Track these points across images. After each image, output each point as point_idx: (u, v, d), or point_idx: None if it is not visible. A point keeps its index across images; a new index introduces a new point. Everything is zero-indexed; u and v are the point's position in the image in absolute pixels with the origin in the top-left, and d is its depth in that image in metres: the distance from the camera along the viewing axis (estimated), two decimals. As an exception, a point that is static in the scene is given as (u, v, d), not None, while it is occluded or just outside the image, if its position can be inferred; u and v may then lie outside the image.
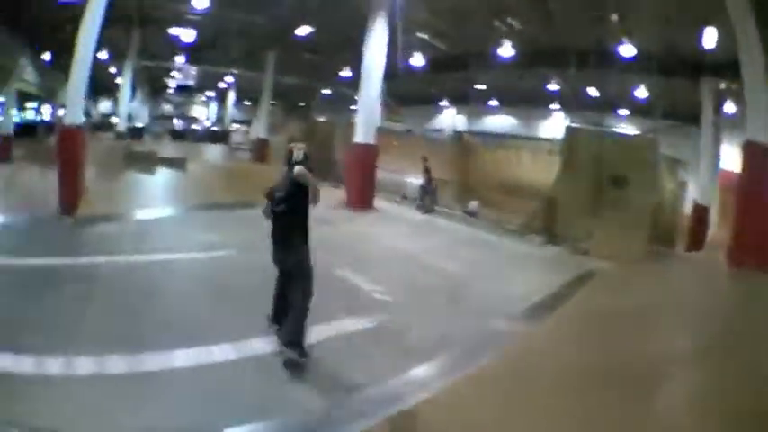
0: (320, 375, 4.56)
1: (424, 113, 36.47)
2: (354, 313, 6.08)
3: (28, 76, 27.01)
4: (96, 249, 8.31)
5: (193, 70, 34.07)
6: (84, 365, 4.29)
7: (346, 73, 29.11)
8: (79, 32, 11.96)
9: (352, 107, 34.93)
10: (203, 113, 52.74)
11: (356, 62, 16.69)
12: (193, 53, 30.11)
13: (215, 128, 44.03)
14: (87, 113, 44.66)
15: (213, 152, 30.71)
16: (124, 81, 24.99)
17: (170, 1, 21.53)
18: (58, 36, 22.27)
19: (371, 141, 15.44)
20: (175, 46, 28.39)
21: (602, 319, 7.11)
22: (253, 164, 25.54)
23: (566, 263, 10.44)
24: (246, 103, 48.74)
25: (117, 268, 7.41)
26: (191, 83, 41.74)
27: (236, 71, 33.57)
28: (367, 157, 15.33)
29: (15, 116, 27.58)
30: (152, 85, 44.31)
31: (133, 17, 23.36)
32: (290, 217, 4.77)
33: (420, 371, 4.78)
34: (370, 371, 4.65)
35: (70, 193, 11.61)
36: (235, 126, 46.65)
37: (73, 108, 12.06)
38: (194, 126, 46.17)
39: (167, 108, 53.05)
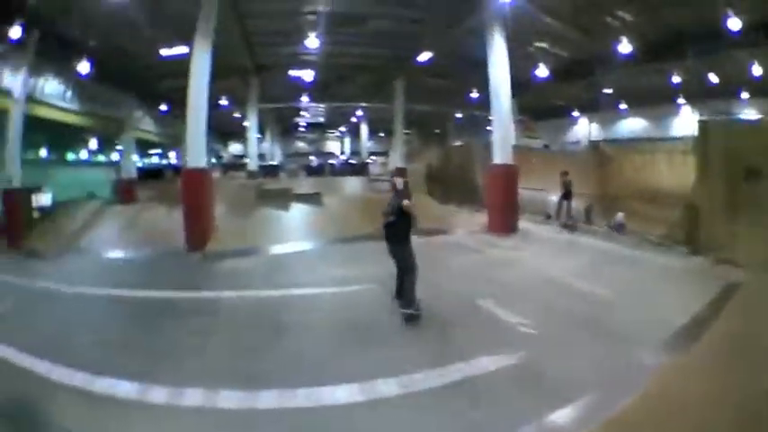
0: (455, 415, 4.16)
1: (558, 127, 34.93)
2: (495, 350, 5.41)
3: (146, 125, 29.47)
4: (223, 284, 8.50)
5: (321, 107, 35.05)
6: (192, 397, 4.44)
7: (475, 94, 28.29)
8: (190, 83, 12.90)
9: (488, 128, 34.73)
10: (338, 148, 54.36)
11: (483, 82, 15.86)
12: (318, 91, 30.74)
13: (352, 161, 44.74)
14: (218, 156, 49.20)
15: (351, 185, 31.01)
16: (249, 124, 25.90)
17: (281, 46, 21.90)
18: (170, 87, 24.65)
19: (509, 161, 14.59)
20: (298, 86, 29.02)
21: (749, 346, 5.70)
22: (391, 193, 25.30)
23: (709, 275, 8.95)
24: (381, 134, 49.32)
25: (244, 303, 7.48)
26: (320, 120, 43.46)
27: (364, 104, 33.94)
28: (507, 178, 14.50)
29: (138, 162, 30.47)
30: (282, 124, 46.50)
31: (248, 66, 24.18)
32: (395, 228, 6.71)
33: (559, 416, 4.15)
34: (505, 417, 4.12)
35: (197, 230, 12.22)
36: (372, 158, 46.37)
37: (194, 151, 12.78)
38: (330, 161, 47.47)
39: (301, 145, 55.38)
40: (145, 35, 18.54)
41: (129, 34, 18.79)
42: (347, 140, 50.81)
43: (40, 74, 18.83)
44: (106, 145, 37.99)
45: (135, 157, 26.57)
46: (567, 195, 15.47)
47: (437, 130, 39.96)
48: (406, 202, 6.56)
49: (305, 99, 32.02)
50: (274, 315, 6.79)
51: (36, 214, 17.62)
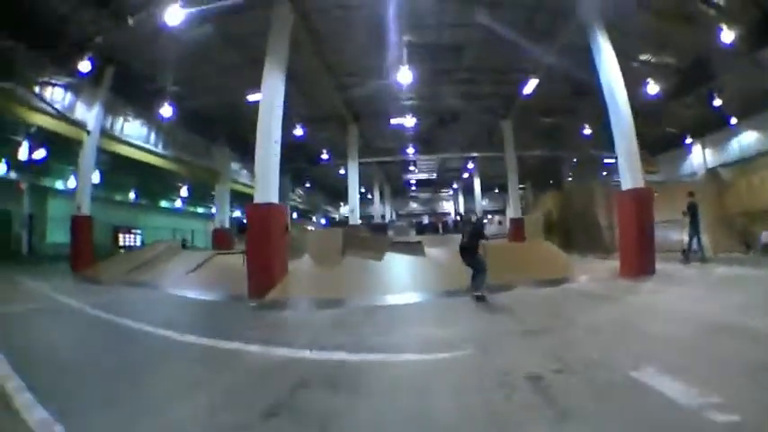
0: None
1: (672, 159, 30.46)
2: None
3: (244, 178, 29.72)
4: (259, 336, 6.25)
5: (428, 161, 33.35)
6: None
7: (588, 130, 25.46)
8: (260, 109, 11.69)
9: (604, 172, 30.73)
10: (451, 208, 51.89)
11: (595, 112, 14.69)
12: (422, 141, 29.20)
13: (464, 217, 41.58)
14: (328, 216, 49.14)
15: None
16: (350, 175, 24.17)
17: (374, 86, 20.28)
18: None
19: (640, 183, 11.80)
20: (401, 135, 27.81)
21: None
22: (507, 242, 22.81)
23: None
24: (495, 191, 48.18)
25: (265, 362, 5.10)
26: (432, 176, 41.60)
27: (474, 154, 31.60)
28: (639, 204, 11.63)
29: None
30: (393, 184, 45.73)
31: (344, 114, 23.05)
32: (469, 247, 9.46)
33: None
34: None
35: (260, 274, 10.51)
36: (488, 217, 44.60)
37: (263, 184, 11.21)
38: (444, 219, 44.66)
39: (414, 206, 53.91)
40: (231, 82, 18.30)
41: (216, 79, 18.54)
42: (461, 199, 48.24)
43: (120, 113, 20.03)
44: (203, 195, 38.96)
45: (227, 209, 26.48)
46: (694, 220, 13.93)
47: (551, 181, 36.42)
48: (484, 242, 9.69)
49: (410, 151, 30.24)
50: (305, 390, 4.17)
51: (121, 251, 18.43)
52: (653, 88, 18.71)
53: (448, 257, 11.82)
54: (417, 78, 17.53)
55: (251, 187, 28.78)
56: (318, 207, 48.60)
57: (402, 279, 11.10)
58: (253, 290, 10.16)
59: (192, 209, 42.97)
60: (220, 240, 23.71)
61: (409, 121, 23.06)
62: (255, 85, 16.96)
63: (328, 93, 19.99)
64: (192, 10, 12.68)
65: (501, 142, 25.12)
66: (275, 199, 11.30)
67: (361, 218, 43.38)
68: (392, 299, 9.43)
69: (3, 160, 23.30)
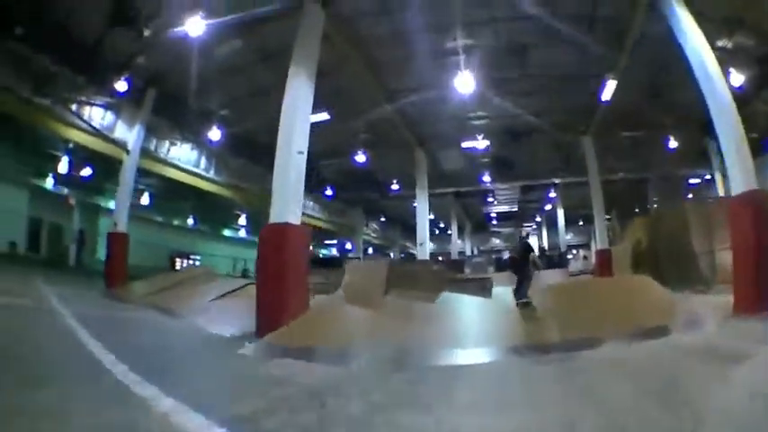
0: None
1: (758, 168, 26.13)
2: None
3: (308, 210, 29.29)
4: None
5: (505, 190, 30.99)
6: None
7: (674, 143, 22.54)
8: (281, 116, 10.40)
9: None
10: (535, 243, 48.63)
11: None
12: (497, 167, 27.13)
13: (548, 253, 38.22)
14: (406, 252, 48.02)
15: (545, 278, 25.96)
16: (419, 205, 22.56)
17: (440, 117, 19.37)
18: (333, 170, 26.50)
19: (753, 184, 8.88)
20: (474, 162, 26.10)
21: None
22: (593, 278, 20.32)
23: None
24: (579, 224, 44.93)
25: None
26: (513, 209, 39.04)
27: (555, 180, 29.25)
28: (758, 213, 8.54)
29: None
30: (473, 219, 43.78)
31: (409, 139, 21.89)
32: (521, 263, 10.72)
33: None
34: None
35: (271, 307, 8.64)
36: (572, 252, 42.78)
37: (280, 201, 9.59)
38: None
39: (497, 242, 51.19)
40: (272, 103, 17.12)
41: (257, 100, 17.75)
42: (544, 232, 45.31)
43: (167, 135, 20.54)
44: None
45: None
46: None
47: (636, 209, 32.90)
48: (533, 254, 11.16)
49: (486, 179, 28.12)
50: None
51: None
52: (737, 80, 15.18)
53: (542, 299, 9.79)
54: (480, 88, 15.71)
55: (312, 217, 30.37)
56: (395, 242, 46.97)
57: (455, 327, 8.63)
58: (262, 327, 8.34)
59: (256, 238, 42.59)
60: None
61: (481, 143, 21.38)
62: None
63: (383, 109, 18.62)
64: (216, 20, 11.97)
65: (582, 164, 22.67)
66: (296, 219, 9.63)
67: (439, 254, 42.21)
68: (444, 356, 6.61)
69: (50, 175, 24.17)
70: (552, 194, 33.66)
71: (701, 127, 21.37)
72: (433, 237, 49.41)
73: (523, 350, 6.69)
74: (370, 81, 16.40)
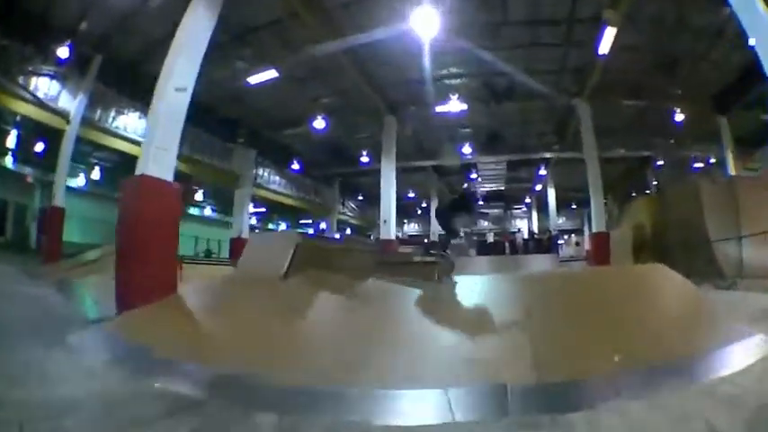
0: None
1: None
2: None
3: (273, 185, 28.23)
4: None
5: (492, 164, 27.97)
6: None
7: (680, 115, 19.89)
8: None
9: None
10: (524, 226, 45.77)
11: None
12: (480, 139, 24.18)
13: (537, 236, 34.66)
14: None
15: (533, 265, 23.00)
16: (384, 179, 19.61)
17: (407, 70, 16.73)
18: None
19: None
20: (453, 132, 23.37)
21: None
22: (591, 267, 17.49)
23: None
24: (572, 206, 42.56)
25: None
26: (500, 188, 36.12)
27: (547, 154, 26.01)
28: None
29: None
30: (455, 198, 40.05)
31: (378, 105, 19.53)
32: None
33: None
34: None
35: (123, 295, 6.41)
36: (564, 237, 39.92)
37: (148, 159, 7.16)
38: (511, 238, 37.02)
39: (485, 224, 48.23)
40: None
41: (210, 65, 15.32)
42: (534, 215, 42.37)
43: (115, 105, 18.79)
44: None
45: (246, 216, 24.18)
46: None
47: (633, 193, 30.00)
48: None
49: (467, 150, 24.80)
50: None
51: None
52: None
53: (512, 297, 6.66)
54: (453, 37, 13.32)
55: (279, 192, 28.53)
56: (375, 223, 43.94)
57: (369, 338, 4.78)
58: (120, 308, 6.15)
59: (227, 218, 40.29)
60: (239, 250, 19.77)
61: (455, 105, 18.23)
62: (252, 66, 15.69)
63: (345, 67, 16.20)
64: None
65: (577, 138, 19.93)
66: (168, 173, 7.19)
67: (423, 236, 39.54)
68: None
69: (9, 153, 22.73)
70: (543, 172, 30.35)
71: (711, 102, 18.58)
72: (415, 216, 47.25)
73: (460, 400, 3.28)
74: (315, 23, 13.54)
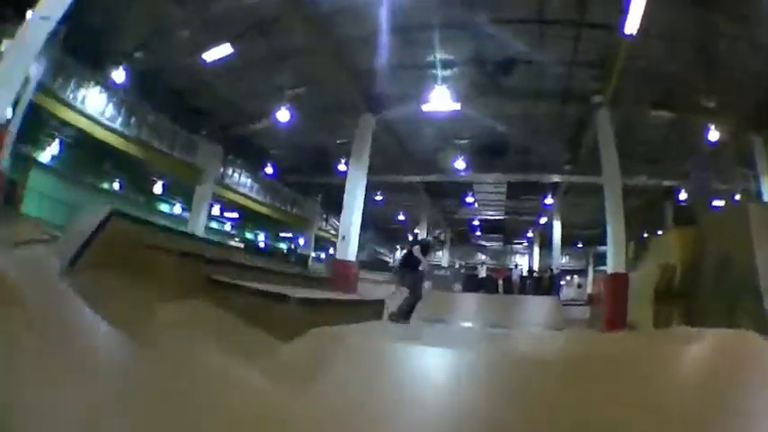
0: None
1: None
2: None
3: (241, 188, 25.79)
4: None
5: (489, 185, 24.51)
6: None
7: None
8: None
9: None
10: (524, 263, 41.70)
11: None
12: (475, 152, 20.60)
13: (536, 274, 29.76)
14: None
15: (530, 311, 19.09)
16: (350, 183, 16.16)
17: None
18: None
19: None
20: (444, 139, 19.97)
21: None
22: (630, 338, 12.79)
23: None
24: (578, 245, 39.58)
25: None
26: (500, 216, 32.47)
27: (554, 177, 22.15)
28: None
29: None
30: (453, 227, 37.60)
31: (356, 99, 16.58)
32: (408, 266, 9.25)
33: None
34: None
35: None
36: (565, 278, 36.86)
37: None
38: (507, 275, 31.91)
39: (482, 257, 44.56)
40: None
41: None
42: (536, 251, 37.87)
43: (74, 75, 16.69)
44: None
45: (204, 216, 22.18)
46: None
47: (645, 232, 26.25)
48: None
49: (460, 165, 20.94)
50: None
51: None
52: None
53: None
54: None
55: (253, 200, 26.25)
56: (364, 246, 40.29)
57: None
58: None
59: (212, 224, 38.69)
60: None
61: (444, 101, 14.49)
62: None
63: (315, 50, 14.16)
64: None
65: (591, 160, 16.73)
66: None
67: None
68: None
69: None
70: (549, 201, 26.50)
71: (746, 118, 15.50)
72: (407, 242, 43.23)
73: None
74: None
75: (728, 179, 18.77)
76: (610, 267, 14.00)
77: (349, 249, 14.93)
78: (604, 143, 14.57)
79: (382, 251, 46.54)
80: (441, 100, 14.23)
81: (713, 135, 15.98)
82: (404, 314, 8.58)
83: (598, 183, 16.23)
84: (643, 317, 14.18)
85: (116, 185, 29.81)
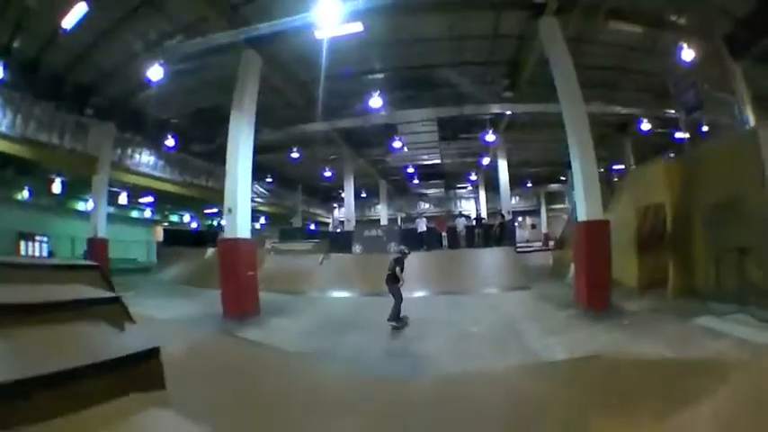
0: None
1: None
2: None
3: (145, 168, 23.86)
4: None
5: (416, 124, 21.22)
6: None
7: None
8: None
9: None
10: (472, 208, 38.97)
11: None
12: (396, 84, 17.16)
13: (485, 221, 26.40)
14: (313, 221, 41.57)
15: (482, 268, 15.90)
16: (233, 136, 12.45)
17: None
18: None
19: None
20: (359, 84, 16.74)
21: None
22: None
23: None
24: (528, 184, 37.95)
25: None
26: (437, 160, 29.25)
27: (496, 108, 18.34)
28: None
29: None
30: (388, 178, 34.64)
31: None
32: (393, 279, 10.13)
33: None
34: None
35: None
36: (517, 220, 35.47)
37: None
38: (451, 224, 25.82)
39: (426, 206, 41.61)
40: None
41: None
42: (483, 195, 34.74)
43: None
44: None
45: (104, 209, 19.77)
46: None
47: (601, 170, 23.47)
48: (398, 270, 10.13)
49: (377, 103, 17.05)
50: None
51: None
52: None
53: None
54: None
55: (159, 179, 24.47)
56: (296, 210, 36.82)
57: None
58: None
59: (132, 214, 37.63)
60: (97, 253, 17.34)
61: (340, 21, 10.88)
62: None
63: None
64: None
65: (535, 85, 14.08)
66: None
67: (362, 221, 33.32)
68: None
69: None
70: (490, 137, 22.39)
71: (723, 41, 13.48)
72: (341, 202, 39.84)
73: None
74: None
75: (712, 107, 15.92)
76: (582, 213, 10.72)
77: (238, 224, 11.45)
78: (557, 59, 11.15)
79: (319, 212, 43.11)
80: (336, 20, 10.60)
81: (687, 54, 13.18)
82: (396, 318, 9.77)
83: (547, 111, 13.27)
84: (624, 273, 11.39)
85: (26, 193, 27.85)
